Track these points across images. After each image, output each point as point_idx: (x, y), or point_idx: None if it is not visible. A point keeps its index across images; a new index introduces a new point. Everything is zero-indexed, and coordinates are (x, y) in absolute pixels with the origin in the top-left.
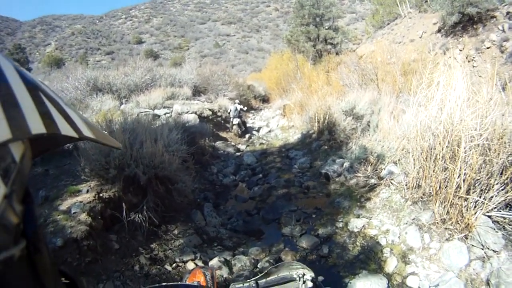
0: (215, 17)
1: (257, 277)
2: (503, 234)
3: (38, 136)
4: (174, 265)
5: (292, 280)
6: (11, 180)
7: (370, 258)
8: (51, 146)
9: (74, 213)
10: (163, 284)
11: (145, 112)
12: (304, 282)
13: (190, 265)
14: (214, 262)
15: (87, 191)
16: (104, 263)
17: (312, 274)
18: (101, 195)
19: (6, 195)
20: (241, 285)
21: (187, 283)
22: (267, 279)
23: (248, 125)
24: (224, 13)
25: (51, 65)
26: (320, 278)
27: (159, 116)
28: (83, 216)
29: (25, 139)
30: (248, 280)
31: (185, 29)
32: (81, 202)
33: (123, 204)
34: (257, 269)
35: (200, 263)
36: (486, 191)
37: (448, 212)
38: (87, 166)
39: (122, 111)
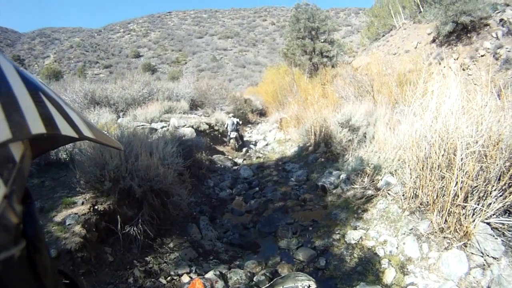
0: (212, 32)
1: (263, 287)
2: (502, 241)
3: (38, 136)
4: (168, 278)
5: None
6: (11, 180)
7: (368, 270)
8: (51, 146)
9: (68, 224)
10: None
11: (142, 125)
12: None
13: (185, 279)
14: (210, 275)
15: (82, 203)
16: (98, 275)
17: (317, 286)
18: (96, 207)
19: (6, 195)
20: None
21: None
22: None
23: (245, 138)
24: (221, 27)
25: (49, 77)
26: None
27: (156, 129)
28: (78, 228)
29: (25, 139)
30: None
31: (182, 43)
32: (76, 214)
33: (118, 216)
34: (253, 282)
35: (195, 277)
36: (484, 198)
37: (446, 220)
38: (83, 178)
39: (119, 124)
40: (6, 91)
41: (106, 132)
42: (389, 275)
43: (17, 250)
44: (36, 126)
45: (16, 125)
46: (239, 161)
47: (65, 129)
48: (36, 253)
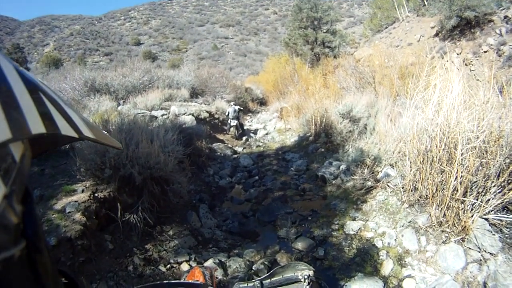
0: (214, 20)
1: (262, 277)
2: (500, 237)
3: (38, 136)
4: (168, 266)
5: (297, 281)
6: (11, 180)
7: (366, 261)
8: (51, 146)
9: (68, 212)
10: (165, 282)
11: (142, 113)
12: (309, 283)
13: (185, 266)
14: (209, 263)
15: (82, 191)
16: (98, 263)
17: (318, 276)
18: (96, 195)
19: (6, 195)
20: (246, 284)
21: (186, 281)
22: (272, 279)
23: (245, 127)
24: (223, 15)
25: (49, 65)
26: None
27: (156, 117)
28: (78, 216)
29: (25, 139)
30: (253, 280)
31: (183, 31)
32: (76, 201)
33: (118, 204)
34: (252, 271)
35: (194, 265)
36: (483, 194)
37: (444, 214)
38: (83, 166)
39: (119, 112)
40: (6, 90)
41: (106, 133)
42: (387, 267)
43: (17, 250)
44: (36, 126)
45: (16, 125)
46: (239, 149)
47: (65, 129)
48: (36, 253)
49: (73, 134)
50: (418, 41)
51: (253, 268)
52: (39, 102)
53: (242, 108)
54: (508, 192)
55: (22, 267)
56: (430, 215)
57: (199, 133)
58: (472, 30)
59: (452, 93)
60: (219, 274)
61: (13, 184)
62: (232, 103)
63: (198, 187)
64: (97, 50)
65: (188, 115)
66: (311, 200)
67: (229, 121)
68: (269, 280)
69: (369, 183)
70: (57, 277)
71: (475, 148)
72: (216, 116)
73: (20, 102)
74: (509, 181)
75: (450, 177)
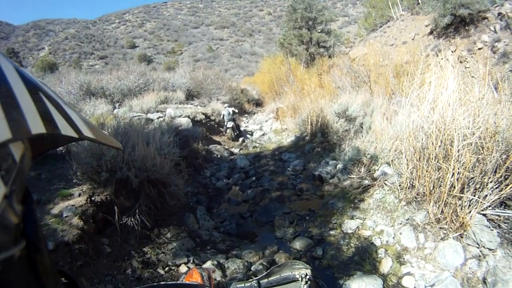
0: (209, 22)
1: (259, 276)
2: (498, 232)
3: (38, 136)
4: (166, 268)
5: (294, 280)
6: (11, 180)
7: (364, 259)
8: (51, 146)
9: (65, 216)
10: (162, 283)
11: (138, 116)
12: (306, 282)
13: (183, 269)
14: (207, 265)
15: (79, 195)
16: (96, 267)
17: (316, 274)
18: (93, 198)
19: (6, 195)
20: (243, 284)
21: (184, 282)
22: (269, 278)
23: (241, 128)
24: (218, 17)
25: (44, 69)
26: None
27: (152, 120)
28: (75, 220)
29: (25, 139)
30: (250, 280)
31: (178, 34)
32: (73, 205)
33: (115, 207)
34: (251, 272)
35: (192, 267)
36: (480, 190)
37: (442, 211)
38: (79, 170)
39: (115, 115)
40: (6, 91)
41: (105, 132)
42: (386, 265)
43: (17, 250)
44: (36, 126)
45: (16, 125)
46: (236, 151)
47: (65, 129)
48: (36, 253)
49: (73, 134)
50: (413, 39)
51: (251, 269)
52: (39, 102)
53: (236, 110)
54: (506, 188)
55: (22, 267)
56: (428, 212)
57: (195, 135)
58: (466, 28)
59: (447, 90)
60: (217, 275)
61: (13, 184)
62: (226, 105)
63: (195, 189)
64: (92, 54)
65: (184, 117)
66: (308, 200)
67: (225, 123)
68: (266, 280)
69: (366, 182)
70: (57, 277)
71: (471, 145)
72: (212, 117)
73: (20, 102)
74: (506, 177)
75: (447, 173)
